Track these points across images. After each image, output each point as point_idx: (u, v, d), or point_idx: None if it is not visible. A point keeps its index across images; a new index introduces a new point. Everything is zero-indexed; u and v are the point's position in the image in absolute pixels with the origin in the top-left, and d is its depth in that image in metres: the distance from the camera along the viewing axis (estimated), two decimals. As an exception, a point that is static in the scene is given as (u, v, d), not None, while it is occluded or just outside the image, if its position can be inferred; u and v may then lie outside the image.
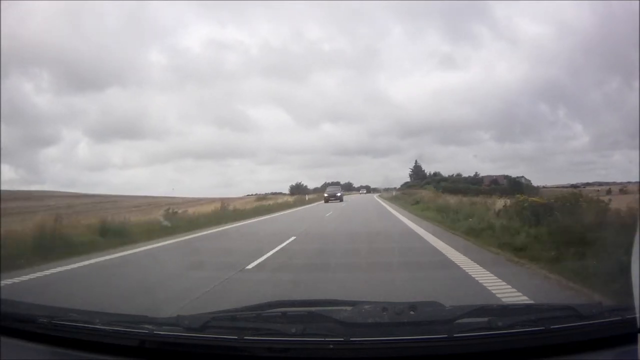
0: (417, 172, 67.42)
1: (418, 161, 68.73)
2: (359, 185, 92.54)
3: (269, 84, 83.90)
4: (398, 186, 65.48)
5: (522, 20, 78.62)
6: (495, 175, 52.43)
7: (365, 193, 75.52)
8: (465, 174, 54.54)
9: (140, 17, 65.76)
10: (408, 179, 66.18)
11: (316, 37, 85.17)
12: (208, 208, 22.49)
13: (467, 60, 79.33)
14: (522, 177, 47.91)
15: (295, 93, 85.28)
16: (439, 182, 48.26)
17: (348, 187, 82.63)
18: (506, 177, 49.62)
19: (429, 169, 66.65)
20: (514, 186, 37.77)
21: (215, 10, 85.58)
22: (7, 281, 6.56)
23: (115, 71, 65.74)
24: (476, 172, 54.38)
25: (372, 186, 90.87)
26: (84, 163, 62.79)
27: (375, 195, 60.24)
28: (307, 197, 47.88)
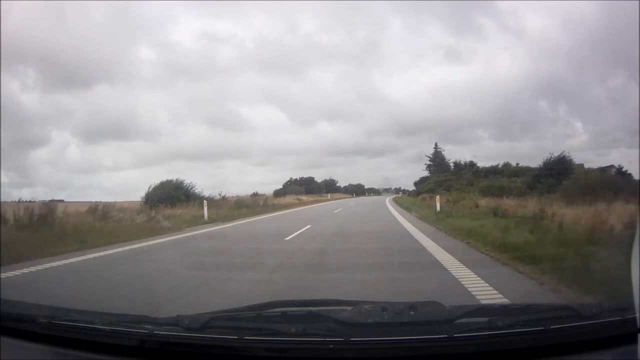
0: (438, 161, 46.34)
1: (438, 145, 47.91)
2: (347, 183, 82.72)
3: (263, 81, 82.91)
4: (410, 187, 52.72)
5: (525, 13, 77.78)
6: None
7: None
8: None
9: (128, 9, 64.50)
10: (415, 177, 49.88)
11: (313, 30, 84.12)
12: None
13: (468, 56, 78.03)
14: (612, 165, 29.54)
15: (291, 90, 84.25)
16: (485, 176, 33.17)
17: (330, 187, 73.44)
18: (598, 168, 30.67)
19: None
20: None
21: (208, 1, 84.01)
22: None
23: (103, 67, 63.67)
24: (516, 162, 38.38)
25: (367, 186, 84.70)
26: (75, 165, 61.49)
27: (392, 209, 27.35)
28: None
